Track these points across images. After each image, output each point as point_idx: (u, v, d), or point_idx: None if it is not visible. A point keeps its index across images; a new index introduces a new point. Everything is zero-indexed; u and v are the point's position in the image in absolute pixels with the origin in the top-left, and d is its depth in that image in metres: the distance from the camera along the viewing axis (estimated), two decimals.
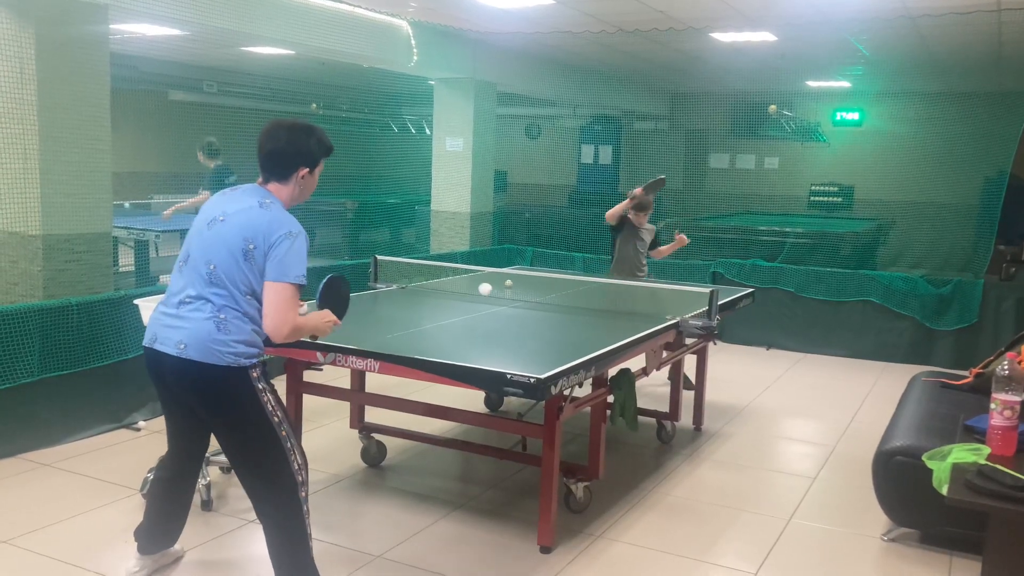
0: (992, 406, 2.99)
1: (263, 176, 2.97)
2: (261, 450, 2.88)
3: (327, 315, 3.00)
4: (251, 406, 2.85)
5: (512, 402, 5.39)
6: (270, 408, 2.87)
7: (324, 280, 3.06)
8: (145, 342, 2.96)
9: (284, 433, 2.89)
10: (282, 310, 2.77)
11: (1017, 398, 2.95)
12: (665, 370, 4.98)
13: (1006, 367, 2.96)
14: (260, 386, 2.86)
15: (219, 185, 7.88)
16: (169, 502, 3.23)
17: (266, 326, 2.81)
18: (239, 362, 2.81)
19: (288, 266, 2.77)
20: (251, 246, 2.78)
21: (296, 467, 2.90)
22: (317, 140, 2.98)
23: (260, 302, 2.83)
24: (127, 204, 10.19)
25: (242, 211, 2.85)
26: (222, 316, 2.80)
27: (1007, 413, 2.96)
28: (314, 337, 3.10)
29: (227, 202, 2.93)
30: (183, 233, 8.57)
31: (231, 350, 2.79)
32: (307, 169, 2.96)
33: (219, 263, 2.82)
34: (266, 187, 2.95)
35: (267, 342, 2.92)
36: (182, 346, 2.82)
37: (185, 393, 2.92)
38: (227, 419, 2.90)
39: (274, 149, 2.93)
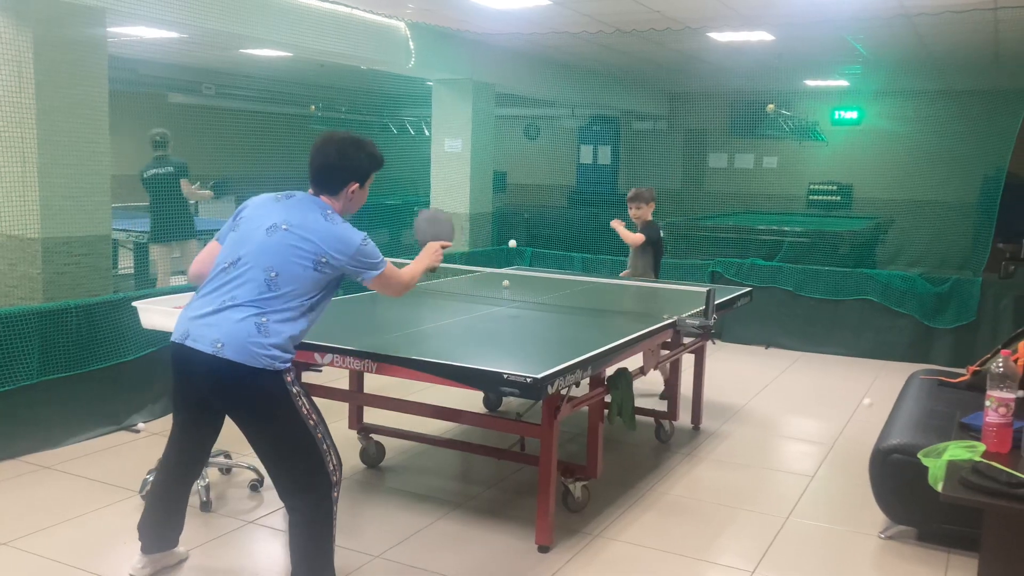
0: (987, 403, 2.99)
1: (314, 189, 3.04)
2: (298, 451, 2.91)
3: (432, 247, 3.44)
4: (287, 409, 2.88)
5: (511, 402, 5.40)
6: (305, 411, 2.91)
7: (418, 216, 3.54)
8: (175, 338, 2.95)
9: (320, 435, 2.93)
10: (396, 282, 3.17)
11: (1012, 395, 2.95)
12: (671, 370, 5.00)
13: (1001, 364, 2.96)
14: (295, 390, 2.90)
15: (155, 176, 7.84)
16: (167, 504, 3.25)
17: (396, 295, 3.27)
18: (274, 365, 2.83)
19: (377, 261, 3.04)
20: (323, 259, 2.90)
21: (331, 468, 2.95)
22: (368, 155, 3.07)
23: (312, 310, 2.96)
24: None
25: (309, 223, 2.93)
26: (263, 319, 2.83)
27: (1002, 410, 2.96)
28: (433, 269, 3.50)
29: (286, 211, 2.97)
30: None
31: (267, 352, 2.82)
32: (357, 184, 3.06)
33: (282, 271, 2.87)
34: (320, 198, 3.03)
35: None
36: (219, 345, 2.82)
37: (213, 392, 2.92)
38: (261, 421, 2.91)
39: (324, 164, 3.01)
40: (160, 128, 8.09)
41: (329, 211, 2.97)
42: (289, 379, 2.89)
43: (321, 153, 3.00)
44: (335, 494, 2.97)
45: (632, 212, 6.10)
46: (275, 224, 2.92)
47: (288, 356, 2.90)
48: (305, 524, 2.96)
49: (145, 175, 7.91)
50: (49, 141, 5.35)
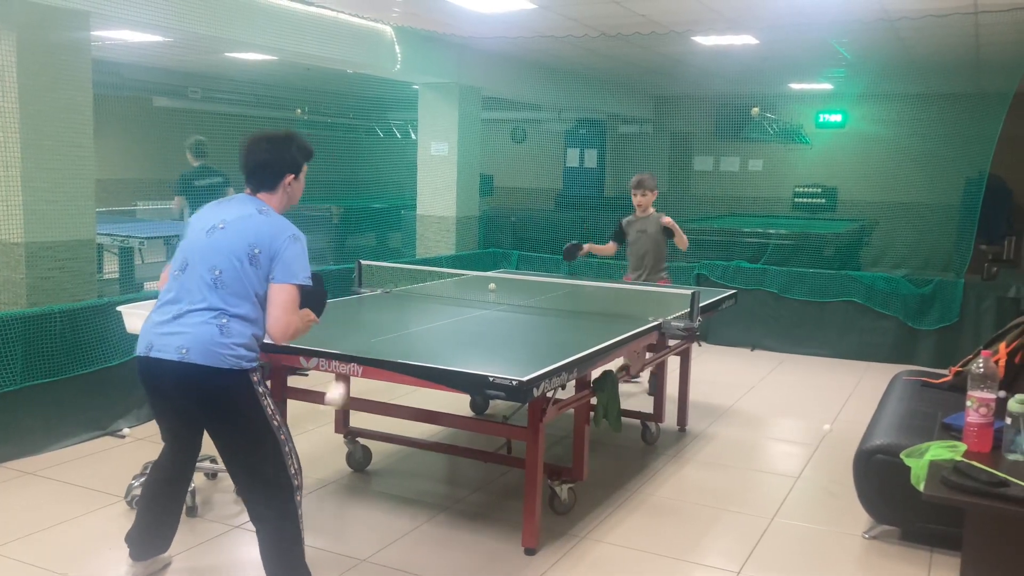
0: (968, 403, 3.03)
1: (251, 188, 3.07)
2: (261, 452, 2.92)
3: (307, 314, 3.07)
4: (252, 409, 2.90)
5: (498, 405, 5.40)
6: (270, 412, 2.93)
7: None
8: (139, 351, 2.98)
9: (283, 437, 2.95)
10: (288, 311, 2.89)
11: (992, 395, 2.99)
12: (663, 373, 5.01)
13: (981, 365, 3.00)
14: (260, 390, 2.92)
15: (191, 187, 7.85)
16: (162, 506, 3.26)
17: (271, 326, 2.90)
18: (240, 365, 2.86)
19: (295, 269, 2.90)
20: (256, 251, 2.88)
21: (293, 471, 2.96)
22: (298, 146, 3.10)
23: (263, 305, 2.92)
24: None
25: (243, 218, 2.95)
26: (223, 320, 2.86)
27: (983, 410, 3.00)
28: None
29: (224, 210, 3.02)
30: (167, 240, 8.49)
31: (233, 353, 2.85)
32: (292, 175, 3.07)
33: (224, 268, 2.89)
34: (256, 196, 3.05)
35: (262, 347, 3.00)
36: (184, 351, 2.84)
37: (185, 398, 2.94)
38: (228, 421, 2.93)
39: (259, 161, 3.04)
40: (197, 136, 8.08)
41: (264, 207, 3.00)
42: (255, 379, 2.92)
43: (253, 151, 3.03)
44: (299, 498, 2.99)
45: (637, 200, 5.93)
46: (214, 225, 2.97)
47: (254, 355, 2.93)
48: (272, 531, 2.97)
49: (198, 183, 7.87)
50: (33, 145, 5.32)
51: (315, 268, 3.00)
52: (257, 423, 2.90)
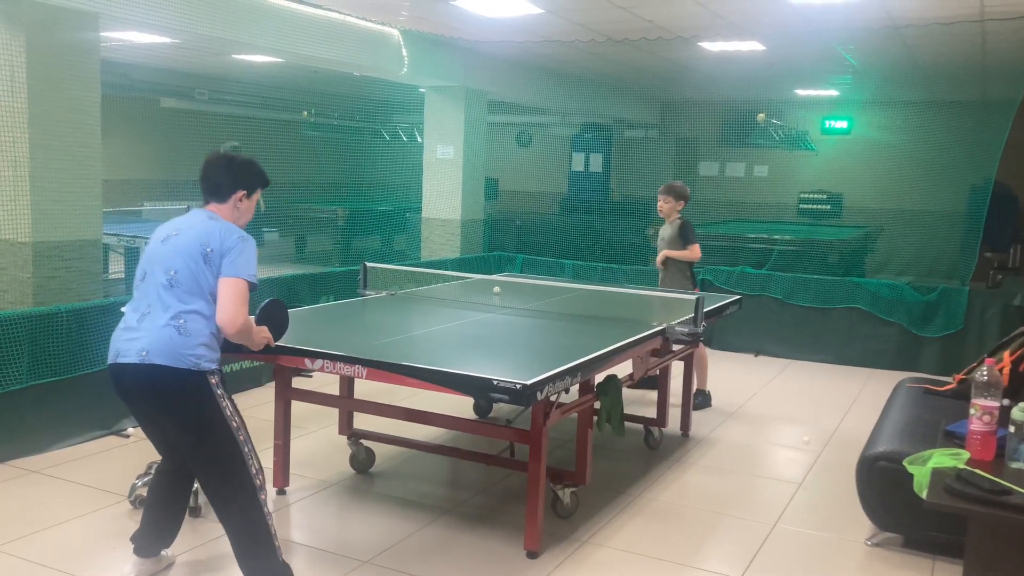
0: (971, 411, 3.03)
1: (205, 199, 3.24)
2: (221, 453, 3.00)
3: (263, 330, 3.24)
4: (211, 410, 2.98)
5: (501, 408, 5.41)
6: (228, 413, 3.02)
7: (266, 301, 3.33)
8: (109, 359, 3.07)
9: (242, 438, 3.04)
10: (236, 303, 2.99)
11: (996, 403, 2.99)
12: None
13: (985, 373, 3.00)
14: (219, 392, 3.00)
15: None
16: (166, 505, 3.32)
17: (220, 317, 2.99)
18: (200, 365, 2.95)
19: (242, 265, 3.02)
20: (209, 249, 3.01)
21: (254, 471, 3.04)
22: (256, 172, 3.28)
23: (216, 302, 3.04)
24: None
25: (195, 224, 3.11)
26: (181, 321, 2.96)
27: (986, 418, 3.00)
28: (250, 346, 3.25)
29: (179, 221, 3.19)
30: None
31: (192, 353, 2.94)
32: (244, 192, 3.21)
33: (180, 268, 3.01)
34: (208, 208, 3.22)
35: (225, 346, 3.10)
36: (144, 353, 2.94)
37: (145, 399, 3.03)
38: (186, 422, 3.01)
39: (214, 174, 3.21)
40: (233, 141, 8.17)
41: (214, 215, 3.16)
42: (214, 381, 2.99)
43: (211, 164, 3.21)
44: (262, 496, 3.05)
45: (659, 205, 5.94)
46: (168, 235, 3.13)
47: (215, 356, 3.01)
48: (241, 532, 3.04)
49: None
50: (41, 145, 5.36)
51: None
52: (216, 424, 2.98)
